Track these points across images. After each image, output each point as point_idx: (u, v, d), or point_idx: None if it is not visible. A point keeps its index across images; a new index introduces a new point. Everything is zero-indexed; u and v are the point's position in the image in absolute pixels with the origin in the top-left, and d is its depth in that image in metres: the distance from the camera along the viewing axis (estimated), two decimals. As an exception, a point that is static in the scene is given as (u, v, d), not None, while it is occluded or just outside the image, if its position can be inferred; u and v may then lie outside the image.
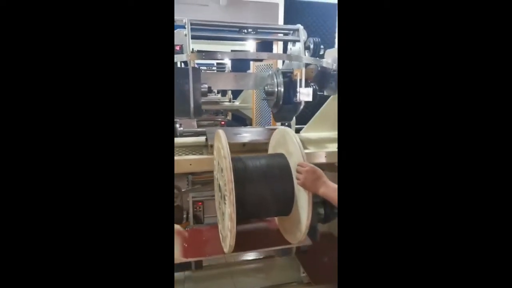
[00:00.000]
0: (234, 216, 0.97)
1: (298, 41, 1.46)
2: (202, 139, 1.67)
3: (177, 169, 1.37)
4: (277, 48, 2.76)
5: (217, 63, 5.04)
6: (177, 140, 1.69)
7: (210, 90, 1.48)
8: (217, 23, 1.44)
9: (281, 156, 1.20)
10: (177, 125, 1.78)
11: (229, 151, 1.02)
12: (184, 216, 1.53)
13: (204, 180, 1.65)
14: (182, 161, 1.37)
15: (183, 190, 1.47)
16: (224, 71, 4.10)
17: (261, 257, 1.89)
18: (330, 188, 0.97)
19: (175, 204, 1.47)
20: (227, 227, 1.05)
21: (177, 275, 1.68)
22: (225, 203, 1.08)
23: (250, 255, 1.91)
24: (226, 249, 1.12)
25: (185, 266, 1.41)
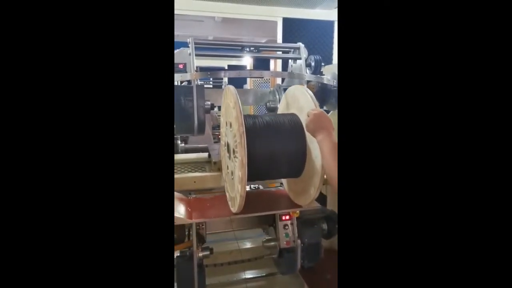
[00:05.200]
0: (245, 161, 0.92)
1: (299, 58, 1.49)
2: (204, 155, 1.66)
3: (182, 187, 1.36)
4: (275, 63, 2.82)
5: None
6: (179, 156, 1.68)
7: (212, 107, 1.50)
8: (219, 42, 1.47)
9: (292, 114, 1.15)
10: (178, 141, 1.78)
11: (238, 100, 0.99)
12: (186, 233, 1.51)
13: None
14: (186, 179, 1.36)
15: (186, 207, 1.45)
16: (221, 84, 4.14)
17: (264, 274, 1.86)
18: (327, 141, 0.86)
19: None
20: (238, 176, 0.99)
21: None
22: (235, 157, 1.02)
23: (252, 273, 1.87)
24: (235, 208, 1.07)
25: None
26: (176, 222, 1.15)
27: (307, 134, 1.06)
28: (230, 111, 1.05)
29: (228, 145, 1.15)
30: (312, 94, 1.08)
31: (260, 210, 1.23)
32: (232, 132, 1.05)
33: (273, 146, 1.06)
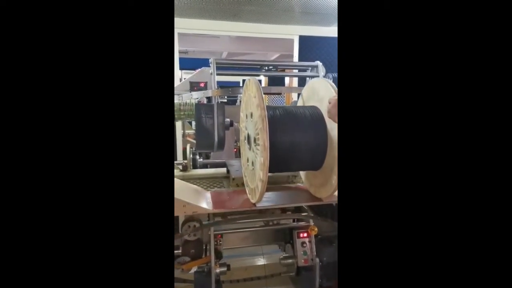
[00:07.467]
0: (267, 144, 0.92)
1: (317, 76, 1.52)
2: (222, 170, 1.69)
3: (201, 202, 1.38)
4: (291, 79, 2.85)
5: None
6: (197, 171, 1.71)
7: (231, 124, 1.53)
8: (239, 62, 1.52)
9: (313, 106, 1.15)
10: (197, 156, 1.81)
11: (260, 88, 1.00)
12: (204, 248, 1.52)
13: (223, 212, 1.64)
14: (206, 194, 1.38)
15: (204, 223, 1.46)
16: (236, 100, 4.21)
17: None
18: None
19: (195, 238, 1.46)
20: (260, 162, 0.98)
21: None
22: (256, 145, 1.02)
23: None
24: (255, 199, 1.06)
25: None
26: (198, 211, 1.16)
27: (328, 124, 1.07)
28: (251, 101, 1.05)
29: (248, 137, 1.15)
30: (332, 83, 1.08)
31: (280, 203, 1.23)
32: (253, 121, 1.05)
33: (294, 136, 1.05)
